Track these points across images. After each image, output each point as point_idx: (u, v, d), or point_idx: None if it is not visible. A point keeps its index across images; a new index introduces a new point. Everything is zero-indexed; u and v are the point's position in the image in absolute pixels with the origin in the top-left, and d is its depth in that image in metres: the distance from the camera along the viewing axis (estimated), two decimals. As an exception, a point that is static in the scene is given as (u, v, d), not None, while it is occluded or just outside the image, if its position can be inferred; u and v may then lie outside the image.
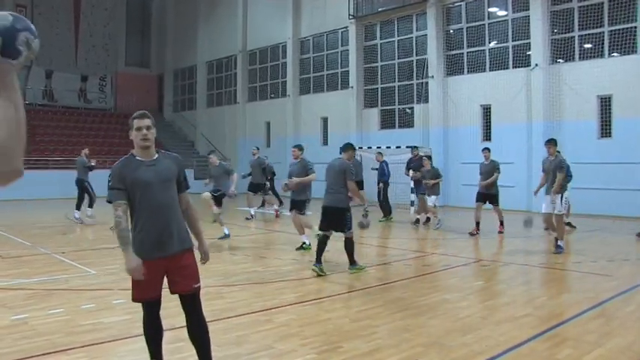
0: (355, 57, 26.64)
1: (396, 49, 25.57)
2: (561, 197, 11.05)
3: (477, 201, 14.44)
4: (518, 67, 21.02)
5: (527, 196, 19.78)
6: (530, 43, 20.55)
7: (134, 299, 4.46)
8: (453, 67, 23.30)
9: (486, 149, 14.75)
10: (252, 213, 17.95)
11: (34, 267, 9.80)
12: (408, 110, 25.27)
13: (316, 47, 29.40)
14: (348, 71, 27.21)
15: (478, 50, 22.43)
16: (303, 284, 8.40)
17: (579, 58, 19.67)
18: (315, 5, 28.77)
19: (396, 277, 8.84)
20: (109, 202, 4.26)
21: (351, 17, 26.55)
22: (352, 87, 26.70)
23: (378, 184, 17.81)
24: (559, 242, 11.09)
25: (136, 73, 40.41)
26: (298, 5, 29.67)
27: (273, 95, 31.98)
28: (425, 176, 15.61)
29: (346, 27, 27.17)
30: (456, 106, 22.91)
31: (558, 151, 11.66)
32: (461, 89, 22.76)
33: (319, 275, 8.77)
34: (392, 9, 25.08)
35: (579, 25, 19.56)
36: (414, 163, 17.06)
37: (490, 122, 21.92)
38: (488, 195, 14.29)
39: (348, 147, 9.53)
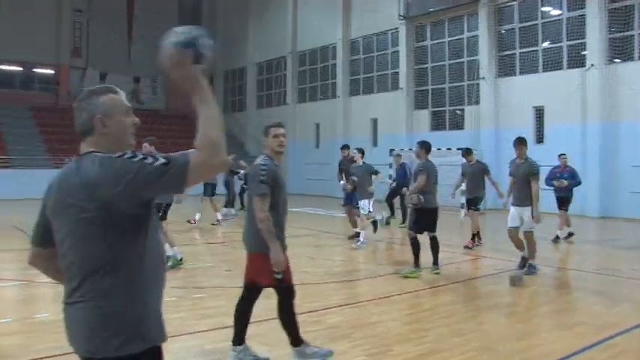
0: (405, 58, 26.47)
1: (447, 50, 25.30)
2: (532, 209, 9.24)
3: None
4: (573, 67, 20.54)
5: (580, 200, 19.33)
6: (585, 42, 20.05)
7: (289, 283, 4.99)
8: (505, 68, 22.93)
9: (467, 150, 13.45)
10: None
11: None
12: (458, 112, 24.99)
13: (366, 48, 29.32)
14: (398, 72, 27.05)
15: (531, 51, 22.01)
16: (353, 286, 8.39)
17: (639, 57, 19.11)
18: (365, 6, 28.70)
19: (447, 281, 8.73)
20: (262, 194, 4.75)
21: (401, 18, 26.39)
22: (402, 88, 26.54)
23: (401, 187, 15.88)
24: (530, 262, 9.29)
25: (187, 74, 40.97)
26: (348, 6, 29.65)
27: (322, 96, 32.02)
28: (355, 174, 12.44)
29: (396, 28, 27.02)
30: (507, 108, 22.53)
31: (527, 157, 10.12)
32: (513, 90, 22.37)
33: (410, 277, 8.78)
34: (443, 9, 24.83)
35: (639, 22, 19.01)
36: (344, 165, 14.35)
37: (543, 124, 21.49)
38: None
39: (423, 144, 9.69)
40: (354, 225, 12.80)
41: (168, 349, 2.50)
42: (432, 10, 25.25)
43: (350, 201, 12.90)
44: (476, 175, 12.72)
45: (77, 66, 37.08)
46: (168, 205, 9.75)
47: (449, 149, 20.74)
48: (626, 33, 19.31)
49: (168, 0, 40.15)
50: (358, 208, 12.34)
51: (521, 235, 9.40)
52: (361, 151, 12.69)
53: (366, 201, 12.11)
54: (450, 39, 25.17)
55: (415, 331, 6.03)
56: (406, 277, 8.81)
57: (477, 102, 23.59)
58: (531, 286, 8.66)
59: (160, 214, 9.26)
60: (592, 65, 19.62)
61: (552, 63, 21.24)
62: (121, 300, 2.14)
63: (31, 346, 5.48)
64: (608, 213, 19.18)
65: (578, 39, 20.39)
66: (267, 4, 35.65)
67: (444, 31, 25.42)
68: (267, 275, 4.86)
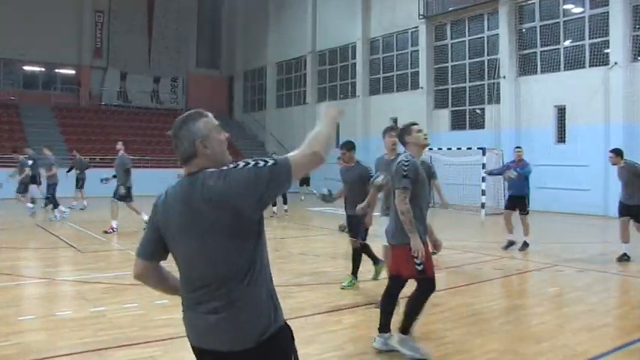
0: (425, 57, 26.35)
1: (467, 49, 25.14)
2: None
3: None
4: (595, 65, 20.28)
5: (603, 199, 19.11)
6: (608, 40, 19.79)
7: (429, 275, 5.25)
8: (526, 67, 22.71)
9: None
10: None
11: (110, 262, 10.11)
12: (478, 111, 24.82)
13: (386, 47, 29.23)
14: (418, 71, 26.94)
15: (552, 49, 21.78)
16: (373, 286, 8.33)
17: (662, 56, 18.86)
18: (384, 5, 28.61)
19: (467, 281, 8.65)
20: (404, 188, 5.11)
21: (421, 17, 26.27)
22: (422, 87, 26.42)
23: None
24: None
25: (206, 74, 41.23)
26: (368, 5, 29.58)
27: (342, 96, 31.97)
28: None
29: (416, 27, 26.90)
30: (528, 107, 22.32)
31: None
32: (534, 89, 22.15)
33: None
34: (463, 8, 24.67)
35: (662, 21, 18.75)
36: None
37: (564, 123, 21.25)
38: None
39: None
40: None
41: (188, 346, 2.52)
42: (452, 8, 25.10)
43: None
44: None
45: (98, 66, 37.42)
46: None
47: (469, 149, 20.60)
48: (651, 31, 19.04)
49: (188, 0, 40.27)
50: None
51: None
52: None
53: None
54: (470, 37, 25.00)
55: (436, 332, 5.97)
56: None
57: (498, 101, 23.39)
58: (554, 286, 8.56)
59: None
60: (615, 63, 19.36)
61: (574, 61, 20.99)
62: (257, 298, 2.37)
63: (54, 342, 5.52)
64: (632, 213, 18.89)
65: (601, 37, 20.12)
66: (286, 4, 35.70)
67: (464, 29, 25.26)
68: (407, 267, 5.21)
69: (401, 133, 5.46)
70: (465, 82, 25.22)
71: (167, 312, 6.69)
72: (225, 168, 2.35)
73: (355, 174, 7.98)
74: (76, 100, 36.42)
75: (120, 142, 14.77)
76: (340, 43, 31.72)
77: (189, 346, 2.56)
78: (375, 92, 29.66)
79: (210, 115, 2.58)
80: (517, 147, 12.82)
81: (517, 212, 11.92)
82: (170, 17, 39.35)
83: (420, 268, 5.14)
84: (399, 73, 28.45)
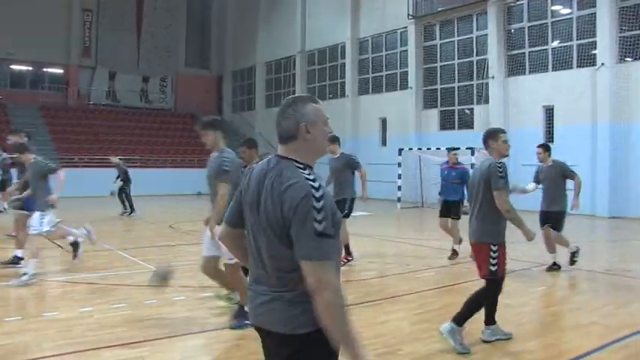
0: (414, 57, 26.41)
1: (456, 50, 25.22)
2: None
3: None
4: (583, 66, 20.41)
5: (590, 199, 19.23)
6: (596, 41, 19.93)
7: (499, 277, 5.49)
8: (515, 68, 22.82)
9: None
10: None
11: (98, 262, 10.06)
12: (467, 111, 24.92)
13: (375, 47, 29.27)
14: (407, 72, 26.99)
15: (540, 50, 21.90)
16: (362, 285, 8.35)
17: (649, 56, 19.00)
18: (373, 5, 28.65)
19: (455, 280, 8.69)
20: (503, 188, 5.35)
21: (410, 17, 26.33)
22: (411, 87, 26.48)
23: None
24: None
25: (195, 73, 41.10)
26: (357, 6, 29.60)
27: (331, 96, 31.99)
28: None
29: (405, 27, 26.96)
30: (517, 107, 22.43)
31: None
32: (522, 90, 22.27)
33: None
34: (452, 8, 24.75)
35: (650, 21, 18.89)
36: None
37: (553, 124, 21.37)
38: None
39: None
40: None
41: (180, 347, 2.51)
42: (441, 9, 25.18)
43: None
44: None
45: (86, 65, 37.20)
46: None
47: (457, 148, 20.59)
48: (637, 32, 19.15)
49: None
50: None
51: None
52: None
53: None
54: (459, 38, 25.09)
55: (425, 331, 6.00)
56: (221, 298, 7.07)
57: (487, 101, 23.50)
58: (541, 286, 8.61)
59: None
60: (602, 64, 19.49)
61: (562, 62, 21.12)
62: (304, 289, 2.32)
63: (42, 343, 5.50)
64: (619, 213, 19.05)
65: (589, 38, 20.26)
66: (276, 4, 35.66)
67: (453, 30, 25.34)
68: (483, 266, 5.44)
69: (487, 136, 5.61)
70: (454, 82, 25.30)
71: (156, 312, 6.68)
72: (293, 181, 2.36)
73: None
74: (64, 100, 36.19)
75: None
76: (329, 43, 31.73)
77: (178, 346, 2.57)
78: (364, 92, 29.69)
79: (321, 103, 2.60)
80: (452, 149, 11.69)
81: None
82: (159, 16, 39.19)
83: (493, 269, 5.37)
84: (388, 73, 28.49)
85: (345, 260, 9.40)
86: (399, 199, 23.21)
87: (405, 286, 8.32)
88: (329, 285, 2.25)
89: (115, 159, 19.88)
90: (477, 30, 24.23)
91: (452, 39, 25.37)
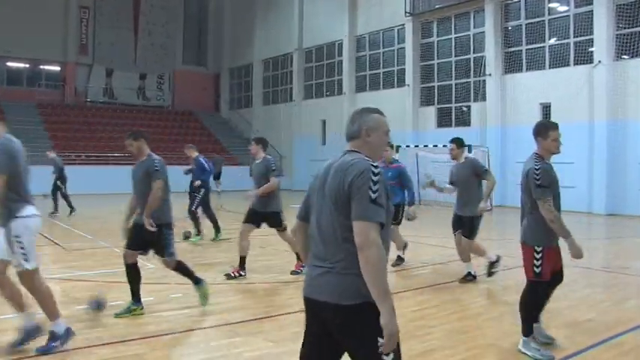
0: (412, 54, 26.42)
1: (453, 47, 25.23)
2: None
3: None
4: (580, 64, 20.45)
5: (588, 196, 19.26)
6: (593, 39, 19.94)
7: (544, 280, 5.25)
8: (512, 65, 22.85)
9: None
10: None
11: (95, 260, 10.05)
12: (464, 108, 24.93)
13: (372, 45, 29.28)
14: (404, 69, 27.01)
15: (537, 47, 21.93)
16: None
17: (646, 54, 19.01)
18: (371, 2, 28.65)
19: (452, 278, 8.69)
20: (543, 196, 5.05)
21: (407, 14, 26.33)
22: (408, 85, 26.50)
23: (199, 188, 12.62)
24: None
25: (193, 71, 41.08)
26: (354, 3, 29.60)
27: (329, 93, 32.00)
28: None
29: (403, 24, 26.96)
30: (514, 105, 22.45)
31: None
32: (519, 87, 22.29)
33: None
34: (449, 6, 24.77)
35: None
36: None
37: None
38: None
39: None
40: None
41: (176, 344, 2.51)
42: (438, 6, 25.19)
43: None
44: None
45: (84, 63, 37.16)
46: None
47: (465, 141, 20.65)
48: (634, 29, 19.19)
49: (174, -3, 40.12)
50: None
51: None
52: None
53: None
54: (456, 35, 25.10)
55: (420, 328, 6.00)
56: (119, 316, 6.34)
57: (484, 98, 23.52)
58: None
59: None
60: (599, 62, 19.52)
61: (559, 59, 21.15)
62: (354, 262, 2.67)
63: (38, 341, 5.48)
64: (615, 210, 19.10)
65: (586, 35, 20.29)
66: (273, 1, 35.62)
67: (450, 27, 25.35)
68: (528, 268, 5.27)
69: (536, 131, 5.41)
70: (451, 79, 25.31)
71: (152, 309, 6.67)
72: (356, 160, 2.78)
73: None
74: (61, 97, 36.16)
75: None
76: (327, 40, 31.73)
77: (174, 343, 2.59)
78: (362, 89, 29.70)
79: (386, 117, 3.07)
80: (389, 144, 9.20)
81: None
82: (156, 14, 39.15)
83: (537, 270, 5.19)
84: (385, 70, 28.51)
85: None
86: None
87: (401, 284, 8.32)
88: (373, 243, 2.59)
89: (51, 154, 17.97)
90: (475, 27, 24.25)
91: (449, 36, 25.38)
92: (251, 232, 8.58)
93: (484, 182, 8.29)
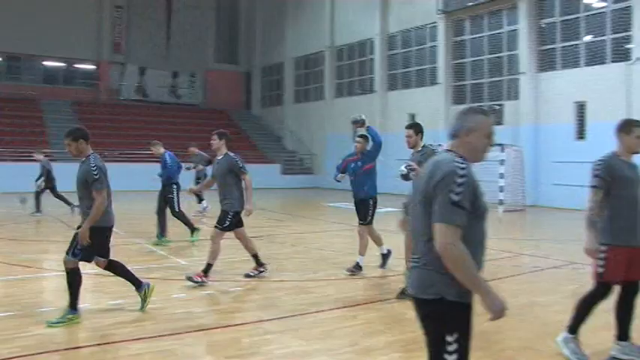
0: (444, 53, 26.21)
1: (486, 45, 24.96)
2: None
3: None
4: (617, 61, 20.04)
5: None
6: (631, 35, 19.53)
7: (606, 281, 5.04)
8: (546, 63, 22.50)
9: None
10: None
11: (128, 256, 10.15)
12: (497, 107, 24.65)
13: (404, 43, 29.11)
14: (436, 67, 26.81)
15: (573, 44, 21.55)
16: (390, 281, 8.32)
17: (685, 51, 18.58)
18: (403, 1, 28.49)
19: (485, 278, 8.58)
20: (594, 186, 4.93)
21: (439, 12, 26.12)
22: (440, 83, 26.30)
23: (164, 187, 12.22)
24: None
25: (224, 69, 41.32)
26: (386, 1, 29.46)
27: (360, 91, 31.93)
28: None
29: (434, 22, 26.75)
30: (548, 103, 22.11)
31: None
32: (554, 85, 21.94)
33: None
34: (482, 3, 24.48)
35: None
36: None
37: (585, 120, 21.03)
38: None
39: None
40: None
41: (207, 341, 2.52)
42: (470, 4, 24.93)
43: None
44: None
45: (117, 61, 37.66)
46: None
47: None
48: (674, 26, 18.75)
49: (206, -5, 40.42)
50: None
51: None
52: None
53: None
54: (489, 33, 24.82)
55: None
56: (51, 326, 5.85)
57: (517, 97, 23.21)
58: (573, 284, 8.48)
59: None
60: (637, 59, 19.12)
61: (595, 57, 20.76)
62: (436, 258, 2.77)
63: (73, 334, 5.57)
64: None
65: (623, 32, 19.88)
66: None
67: (482, 25, 25.08)
68: (594, 268, 5.12)
69: (619, 127, 5.09)
70: (484, 77, 25.04)
71: (185, 306, 6.73)
72: (443, 162, 2.84)
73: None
74: (96, 95, 36.72)
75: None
76: (358, 38, 31.64)
77: (206, 340, 2.62)
78: (393, 88, 29.57)
79: (491, 120, 3.02)
80: (358, 136, 9.49)
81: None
82: (189, 12, 39.47)
83: (600, 270, 5.03)
84: (417, 68, 28.33)
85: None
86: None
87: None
88: (449, 246, 2.69)
89: (39, 155, 16.97)
90: (508, 25, 23.94)
91: (482, 34, 25.10)
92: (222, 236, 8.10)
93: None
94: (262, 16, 39.70)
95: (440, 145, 8.08)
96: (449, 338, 2.81)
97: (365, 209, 8.75)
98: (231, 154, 8.23)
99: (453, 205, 2.71)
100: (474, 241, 2.85)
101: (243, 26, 41.90)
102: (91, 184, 6.05)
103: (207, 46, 40.77)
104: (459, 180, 2.73)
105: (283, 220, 17.34)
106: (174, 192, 11.63)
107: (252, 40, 40.97)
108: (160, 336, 5.53)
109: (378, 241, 9.10)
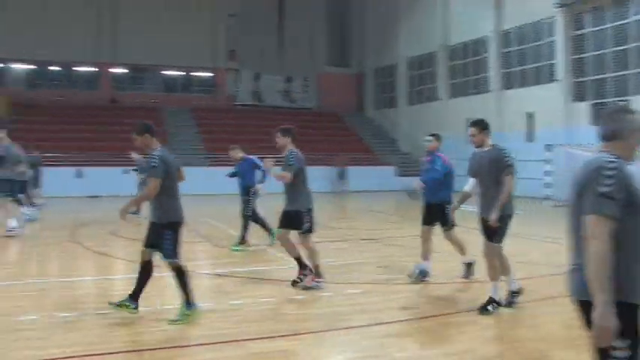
0: (563, 48, 25.10)
1: (609, 38, 23.65)
2: None
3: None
4: None
5: None
6: None
7: None
8: (678, 54, 21.04)
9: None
10: None
11: (244, 257, 10.44)
12: (623, 103, 23.31)
13: (520, 39, 28.16)
14: (554, 63, 25.74)
15: None
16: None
17: None
18: (518, -5, 27.58)
19: (562, 292, 8.11)
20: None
21: (557, 6, 25.04)
22: (559, 80, 25.21)
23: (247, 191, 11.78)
24: None
25: (336, 72, 41.67)
26: (500, -3, 28.64)
27: (475, 91, 31.20)
28: None
29: (552, 16, 25.68)
30: (681, 98, 20.67)
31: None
32: (687, 78, 20.48)
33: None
34: (605, -6, 23.25)
35: None
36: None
37: None
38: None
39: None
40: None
41: (326, 342, 2.52)
42: (592, -5, 23.73)
43: None
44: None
45: (232, 68, 39.00)
46: None
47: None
48: None
49: None
50: None
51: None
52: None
53: None
54: (611, 24, 23.51)
55: (579, 337, 5.63)
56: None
57: (645, 92, 21.83)
58: None
59: None
60: None
61: None
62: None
63: (194, 331, 5.78)
64: None
65: None
66: (416, -1, 35.33)
67: (604, 16, 23.79)
68: None
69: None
70: (607, 72, 23.74)
71: (303, 307, 6.83)
72: (595, 159, 2.87)
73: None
74: (213, 102, 38.19)
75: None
76: (472, 36, 30.93)
77: (323, 341, 2.65)
78: (509, 86, 28.67)
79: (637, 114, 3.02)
80: (430, 135, 9.52)
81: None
82: (300, 16, 40.13)
83: None
84: (533, 65, 27.30)
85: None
86: (546, 198, 22.20)
87: (555, 288, 7.89)
88: (597, 236, 2.66)
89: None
90: (634, 15, 22.56)
91: (604, 26, 23.81)
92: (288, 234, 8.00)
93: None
94: (373, 18, 39.68)
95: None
96: (620, 344, 2.66)
97: (444, 213, 8.52)
98: (295, 150, 7.98)
99: (600, 196, 2.70)
100: (629, 241, 2.76)
101: (355, 29, 42.08)
102: (147, 171, 6.43)
103: (319, 49, 41.30)
104: (608, 172, 2.74)
105: (397, 222, 17.27)
106: (251, 196, 11.42)
107: (364, 43, 41.08)
108: (278, 336, 5.63)
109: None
